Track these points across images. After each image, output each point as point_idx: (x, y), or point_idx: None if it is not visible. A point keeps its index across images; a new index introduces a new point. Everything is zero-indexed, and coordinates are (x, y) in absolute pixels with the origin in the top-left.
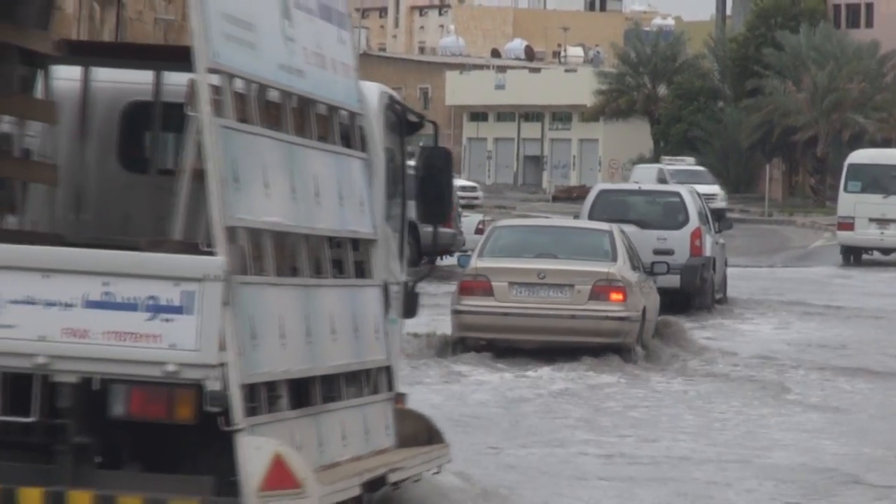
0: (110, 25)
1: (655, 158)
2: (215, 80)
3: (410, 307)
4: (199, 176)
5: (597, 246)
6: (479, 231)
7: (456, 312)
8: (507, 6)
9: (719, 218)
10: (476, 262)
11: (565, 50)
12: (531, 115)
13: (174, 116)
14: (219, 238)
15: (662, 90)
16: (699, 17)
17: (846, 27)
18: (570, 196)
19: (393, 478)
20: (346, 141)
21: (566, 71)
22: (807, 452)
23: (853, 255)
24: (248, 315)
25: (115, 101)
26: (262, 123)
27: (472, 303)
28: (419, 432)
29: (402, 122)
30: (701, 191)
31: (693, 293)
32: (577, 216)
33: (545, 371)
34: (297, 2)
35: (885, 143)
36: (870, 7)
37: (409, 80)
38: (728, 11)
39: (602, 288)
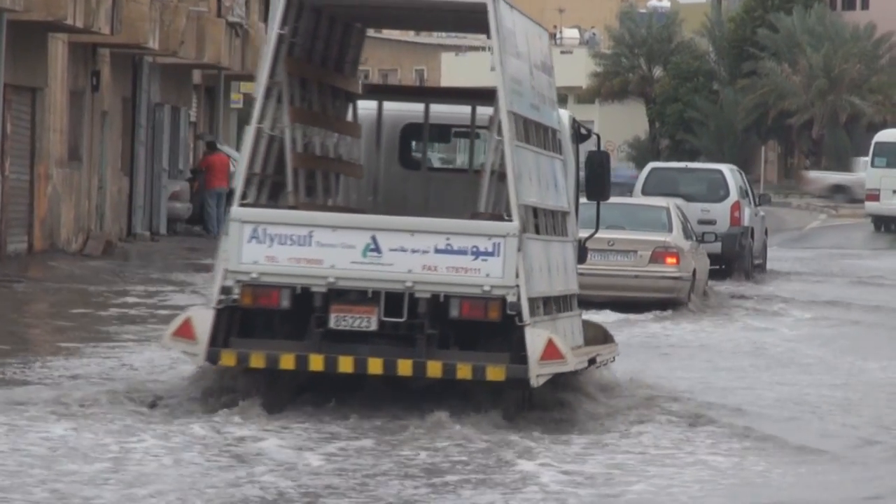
0: (106, 5)
1: (651, 140)
2: (507, 116)
3: (583, 256)
4: (492, 174)
5: (656, 219)
6: None
7: None
8: None
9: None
10: None
11: (561, 31)
12: None
13: (436, 133)
14: (514, 211)
15: (658, 72)
16: None
17: (842, 9)
18: None
19: (598, 360)
20: (552, 149)
21: (562, 52)
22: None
23: (884, 225)
24: (528, 257)
25: (397, 122)
26: (524, 141)
27: None
28: (598, 335)
29: (577, 134)
30: None
31: (732, 258)
32: (631, 192)
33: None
34: (535, 63)
35: (882, 126)
36: None
37: (404, 62)
38: None
39: (660, 253)
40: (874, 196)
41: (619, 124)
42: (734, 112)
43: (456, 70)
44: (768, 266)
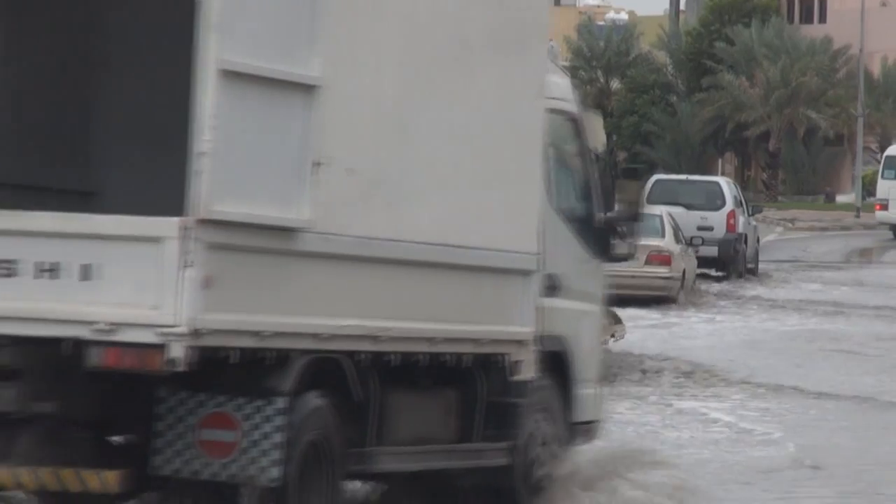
0: None
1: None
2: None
3: None
4: None
5: (651, 226)
6: None
7: None
8: None
9: None
10: None
11: None
12: None
13: None
14: None
15: (616, 84)
16: (653, 11)
17: (799, 22)
18: None
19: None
20: None
21: None
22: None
23: None
24: None
25: None
26: None
27: None
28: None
29: None
30: None
31: (728, 261)
32: None
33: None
34: None
35: (839, 139)
36: (823, 2)
37: None
38: (682, 6)
39: (654, 256)
40: (884, 206)
41: None
42: (691, 124)
43: None
44: (760, 270)
